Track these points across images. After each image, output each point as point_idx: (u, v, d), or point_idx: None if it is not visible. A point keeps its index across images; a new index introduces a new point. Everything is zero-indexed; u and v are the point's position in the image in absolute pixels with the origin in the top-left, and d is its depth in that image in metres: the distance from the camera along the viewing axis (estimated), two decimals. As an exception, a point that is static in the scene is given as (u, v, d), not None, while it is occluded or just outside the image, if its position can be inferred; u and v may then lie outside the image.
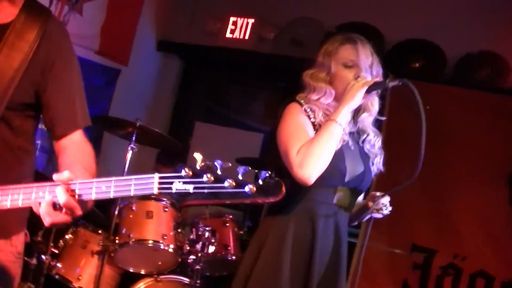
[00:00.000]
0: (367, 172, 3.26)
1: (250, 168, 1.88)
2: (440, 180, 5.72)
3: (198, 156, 1.90)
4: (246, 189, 1.82)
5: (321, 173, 3.01)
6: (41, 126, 2.61)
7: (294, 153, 3.01)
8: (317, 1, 7.22)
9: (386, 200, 3.24)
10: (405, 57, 6.52)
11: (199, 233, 4.85)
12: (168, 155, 6.27)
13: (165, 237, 4.85)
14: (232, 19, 7.74)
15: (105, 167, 5.93)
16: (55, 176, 2.03)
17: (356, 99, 3.08)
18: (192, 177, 1.86)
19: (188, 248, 4.87)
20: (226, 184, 1.83)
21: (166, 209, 4.98)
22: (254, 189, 1.82)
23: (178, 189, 1.86)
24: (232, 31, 7.74)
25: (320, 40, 6.68)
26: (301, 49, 7.07)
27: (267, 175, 1.85)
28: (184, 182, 1.86)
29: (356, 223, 3.47)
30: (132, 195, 1.94)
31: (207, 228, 4.89)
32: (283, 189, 1.83)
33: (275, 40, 7.42)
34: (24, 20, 2.41)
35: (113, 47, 7.23)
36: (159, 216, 4.95)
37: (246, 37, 7.63)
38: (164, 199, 5.10)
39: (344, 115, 3.08)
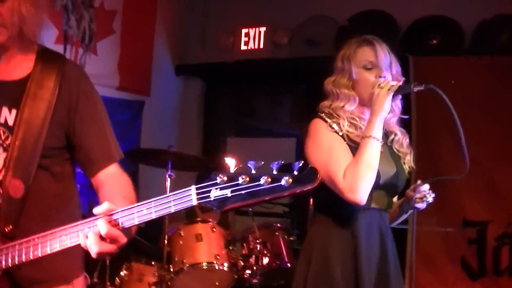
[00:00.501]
0: (400, 172, 3.23)
1: (282, 161, 1.88)
2: (480, 153, 5.68)
3: (230, 161, 1.92)
4: (282, 182, 1.81)
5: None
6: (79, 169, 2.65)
7: (340, 178, 2.98)
8: (324, -3, 7.22)
9: (426, 187, 3.19)
10: (421, 36, 6.49)
11: (251, 246, 4.87)
12: (207, 176, 6.28)
13: (218, 257, 4.86)
14: (244, 31, 7.76)
15: (146, 199, 5.95)
16: (95, 210, 2.07)
17: (385, 107, 3.04)
18: (227, 181, 1.87)
19: (242, 263, 4.89)
20: (262, 181, 1.83)
21: (214, 229, 5.01)
22: (290, 180, 1.81)
23: (216, 196, 1.87)
24: (246, 43, 7.76)
25: (333, 36, 6.74)
26: (316, 48, 7.08)
27: (300, 165, 1.85)
28: (221, 188, 1.87)
29: (399, 221, 3.44)
30: (173, 211, 1.95)
31: (257, 241, 4.91)
32: (318, 175, 1.82)
33: (289, 43, 7.43)
34: (41, 70, 2.46)
35: (133, 80, 7.29)
36: (209, 237, 4.98)
37: (261, 46, 7.65)
38: (210, 220, 5.13)
39: (378, 127, 3.04)
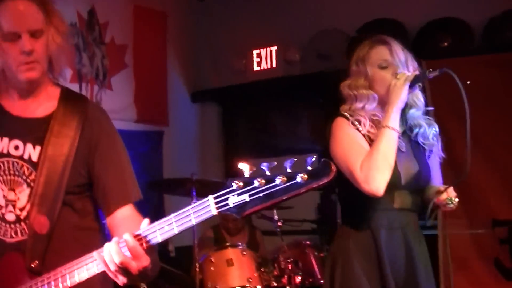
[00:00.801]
0: (423, 170, 3.20)
1: (295, 159, 1.89)
2: (499, 151, 5.65)
3: (244, 166, 1.91)
4: (298, 179, 1.81)
5: (388, 181, 2.98)
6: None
7: (357, 169, 2.98)
8: (331, 10, 7.23)
9: (451, 193, 3.12)
10: (431, 39, 6.46)
11: (282, 266, 4.88)
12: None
13: (251, 280, 4.88)
14: (255, 52, 7.81)
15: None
16: (114, 239, 2.10)
17: (402, 97, 3.04)
18: (244, 186, 1.87)
19: (275, 284, 4.89)
20: (277, 181, 1.84)
21: (245, 253, 5.01)
22: (306, 176, 1.81)
23: (235, 202, 1.88)
24: (259, 63, 7.80)
25: (344, 48, 6.74)
26: (328, 61, 7.08)
27: (313, 159, 1.85)
28: (239, 194, 1.88)
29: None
30: (194, 223, 1.97)
31: (288, 260, 4.90)
32: (333, 167, 1.83)
33: (301, 59, 7.46)
34: (64, 109, 2.53)
35: (150, 111, 7.33)
36: (240, 261, 4.98)
37: (274, 65, 7.68)
38: (239, 243, 5.13)
39: (395, 118, 3.04)
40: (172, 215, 2.01)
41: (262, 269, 4.98)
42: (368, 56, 3.23)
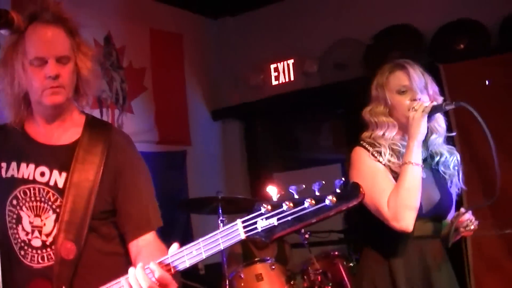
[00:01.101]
0: (444, 198, 3.17)
1: (323, 182, 1.89)
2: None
3: (272, 189, 1.92)
4: (327, 202, 1.82)
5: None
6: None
7: (385, 207, 2.96)
8: (345, 20, 7.24)
9: (467, 216, 3.12)
10: (447, 42, 6.43)
11: (311, 278, 4.88)
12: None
13: (281, 293, 4.86)
14: (272, 66, 7.84)
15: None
16: (140, 264, 2.12)
17: (422, 130, 3.02)
18: (272, 210, 1.88)
19: (306, 296, 4.88)
20: (306, 204, 1.84)
21: (273, 267, 5.02)
22: (334, 199, 1.82)
23: (264, 226, 1.89)
24: (277, 78, 7.83)
25: (361, 57, 6.75)
26: (346, 70, 7.09)
27: (342, 181, 1.87)
28: (267, 218, 1.88)
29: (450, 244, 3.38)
30: (222, 248, 1.98)
31: (317, 272, 4.89)
32: (362, 189, 1.85)
33: (319, 71, 7.46)
34: (89, 137, 2.58)
35: (172, 132, 7.37)
36: (269, 276, 4.99)
37: (292, 78, 7.71)
38: (268, 258, 5.13)
39: (417, 152, 3.02)
40: (200, 239, 2.02)
41: (291, 282, 4.98)
42: (387, 82, 3.22)
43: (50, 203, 2.49)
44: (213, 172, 7.96)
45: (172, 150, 7.35)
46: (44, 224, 2.49)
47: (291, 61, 7.70)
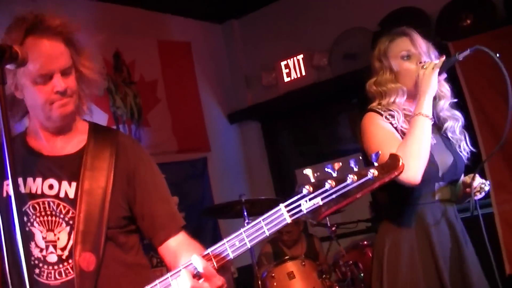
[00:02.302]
0: (457, 160, 3.16)
1: (360, 157, 1.92)
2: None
3: (308, 172, 1.91)
4: (369, 175, 1.83)
5: (424, 169, 2.92)
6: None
7: None
8: (350, 10, 7.26)
9: (479, 180, 3.10)
10: (453, 20, 6.43)
11: (343, 270, 4.88)
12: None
13: (315, 288, 4.87)
14: (282, 63, 7.85)
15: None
16: (181, 268, 2.04)
17: (432, 85, 3.00)
18: (314, 190, 1.87)
19: (339, 288, 4.89)
20: (349, 180, 1.83)
21: (304, 263, 5.03)
22: (376, 172, 1.83)
23: (308, 207, 1.87)
24: (288, 74, 7.84)
25: (369, 44, 6.73)
26: (356, 60, 7.08)
27: (378, 154, 1.89)
28: (310, 198, 1.87)
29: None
30: (268, 234, 1.95)
31: (348, 263, 4.90)
32: (400, 159, 1.86)
33: (329, 63, 7.47)
34: (95, 142, 2.51)
35: (190, 139, 7.42)
36: (301, 273, 5.00)
37: (303, 73, 7.72)
38: (298, 255, 5.15)
39: (428, 105, 2.99)
40: (242, 229, 1.98)
41: (323, 277, 4.98)
42: (389, 49, 3.20)
43: (62, 215, 2.40)
44: (235, 175, 8.01)
45: (192, 158, 7.39)
46: (58, 238, 2.40)
47: (300, 57, 7.70)
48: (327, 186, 1.85)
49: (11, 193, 1.92)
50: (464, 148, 3.26)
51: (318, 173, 1.90)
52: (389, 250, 3.13)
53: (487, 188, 3.12)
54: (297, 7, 7.74)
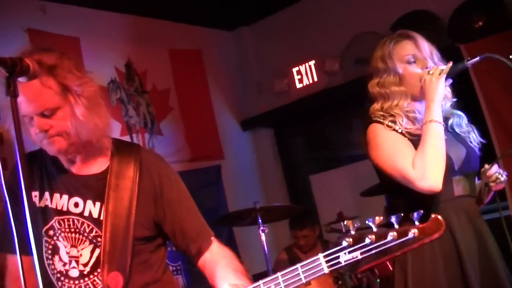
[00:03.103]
0: (471, 152, 3.13)
1: (402, 214, 1.92)
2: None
3: (349, 223, 1.93)
4: (410, 235, 1.83)
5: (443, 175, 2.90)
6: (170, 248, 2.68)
7: (410, 169, 2.91)
8: (361, 14, 7.24)
9: (495, 169, 3.09)
10: (465, 22, 6.38)
11: (359, 276, 4.85)
12: (299, 218, 6.29)
13: (331, 295, 4.85)
14: (294, 69, 7.85)
15: (248, 259, 6.01)
16: None
17: (440, 91, 2.98)
18: (354, 243, 1.88)
19: (355, 295, 4.87)
20: (389, 238, 1.84)
21: (319, 270, 5.00)
22: (417, 232, 1.83)
23: (347, 260, 1.88)
24: (300, 80, 7.83)
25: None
26: (368, 64, 7.01)
27: (421, 213, 1.88)
28: (350, 252, 1.88)
29: (484, 203, 3.27)
30: (305, 282, 1.96)
31: (364, 269, 4.88)
32: (443, 222, 1.85)
33: (341, 68, 7.45)
34: (119, 161, 2.52)
35: (203, 147, 7.44)
36: (316, 279, 4.95)
37: (315, 79, 7.71)
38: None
39: (438, 111, 2.97)
40: (279, 273, 2.00)
41: (339, 283, 4.96)
42: (394, 52, 3.16)
43: (86, 234, 2.45)
44: (249, 182, 8.00)
45: (206, 166, 7.40)
46: (81, 255, 2.45)
47: (312, 62, 7.70)
48: (367, 241, 1.86)
49: (26, 206, 1.88)
50: (474, 139, 3.23)
51: (358, 224, 1.91)
52: (412, 254, 3.06)
53: (502, 178, 3.08)
54: (308, 13, 7.73)
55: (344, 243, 1.88)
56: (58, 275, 2.48)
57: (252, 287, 2.06)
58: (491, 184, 3.09)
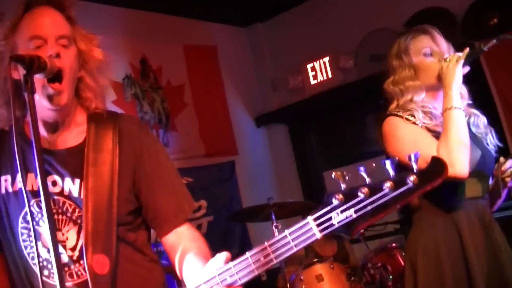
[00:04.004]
0: (486, 154, 3.11)
1: (397, 158, 1.69)
2: None
3: (338, 175, 1.72)
4: (409, 183, 1.60)
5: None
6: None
7: None
8: (375, 11, 7.23)
9: (510, 163, 3.09)
10: (479, 19, 6.35)
11: (372, 273, 4.86)
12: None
13: (343, 291, 4.85)
14: (309, 66, 7.83)
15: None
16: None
17: (458, 77, 2.96)
18: (346, 200, 1.67)
19: (368, 291, 4.87)
20: (385, 189, 1.62)
21: (332, 266, 5.01)
22: (416, 178, 1.60)
23: (340, 221, 1.67)
24: (315, 77, 7.82)
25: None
26: (382, 61, 6.99)
27: (418, 155, 1.65)
28: (342, 210, 1.67)
29: (498, 205, 3.29)
30: (296, 250, 1.76)
31: (377, 265, 4.88)
32: (445, 163, 1.63)
33: (355, 65, 7.44)
34: (96, 132, 2.33)
35: (218, 143, 7.44)
36: (329, 275, 4.98)
37: (329, 75, 7.68)
38: (326, 257, 5.13)
39: (456, 97, 2.94)
40: (267, 243, 1.80)
41: (352, 279, 4.97)
42: (410, 46, 3.18)
43: (68, 214, 2.25)
44: (263, 178, 8.00)
45: (220, 162, 7.40)
46: (67, 238, 2.25)
47: (326, 59, 7.68)
48: (360, 195, 1.64)
49: (23, 191, 1.88)
50: (491, 141, 3.22)
51: (349, 176, 1.70)
52: (423, 254, 3.08)
53: None
54: (322, 9, 7.73)
55: (335, 202, 1.67)
56: (44, 262, 2.27)
57: (240, 260, 1.86)
58: (507, 179, 3.08)
